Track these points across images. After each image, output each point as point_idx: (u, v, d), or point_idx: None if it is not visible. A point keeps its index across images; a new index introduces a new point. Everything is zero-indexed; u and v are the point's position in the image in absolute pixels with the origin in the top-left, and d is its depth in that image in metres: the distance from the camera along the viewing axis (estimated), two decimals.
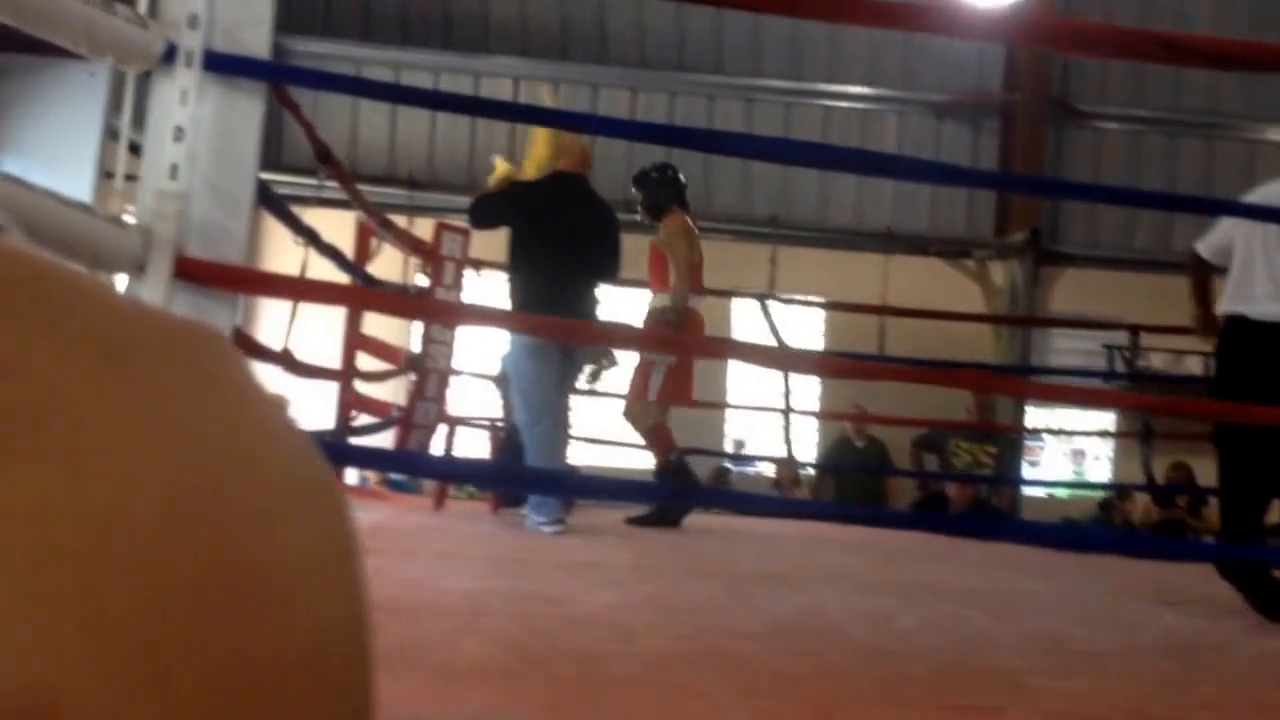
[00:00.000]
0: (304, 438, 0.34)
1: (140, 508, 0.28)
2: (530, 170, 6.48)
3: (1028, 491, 12.22)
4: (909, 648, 3.37)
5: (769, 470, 11.91)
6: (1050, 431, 12.55)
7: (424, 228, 8.22)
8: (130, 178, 2.67)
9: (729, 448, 12.22)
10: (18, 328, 0.30)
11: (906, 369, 3.34)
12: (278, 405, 0.35)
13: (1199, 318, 4.60)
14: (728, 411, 12.34)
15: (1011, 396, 11.37)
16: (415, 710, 2.21)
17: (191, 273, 2.51)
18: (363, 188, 6.94)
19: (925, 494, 10.65)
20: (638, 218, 7.40)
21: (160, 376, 0.31)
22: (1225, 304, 4.45)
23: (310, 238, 5.15)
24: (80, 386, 0.29)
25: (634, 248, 7.11)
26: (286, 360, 5.20)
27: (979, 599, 4.62)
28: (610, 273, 6.43)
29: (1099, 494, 11.92)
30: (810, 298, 11.58)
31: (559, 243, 6.06)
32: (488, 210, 6.23)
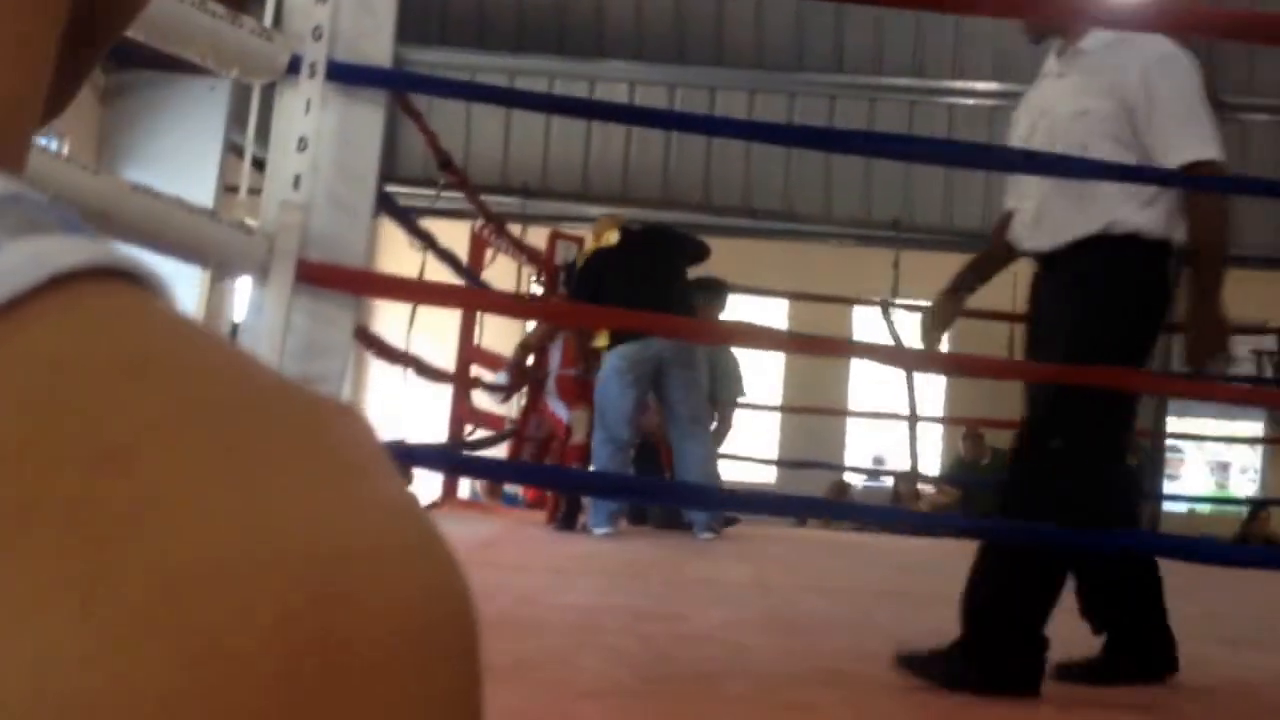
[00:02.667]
0: (433, 534, 0.32)
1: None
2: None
3: (1167, 508, 11.99)
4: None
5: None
6: (1193, 437, 12.22)
7: (538, 237, 8.34)
8: (253, 191, 2.78)
9: (854, 461, 12.16)
10: (139, 409, 0.29)
11: (1040, 367, 3.32)
12: (407, 507, 0.33)
13: None
14: (849, 425, 12.28)
15: (1151, 402, 11.16)
16: None
17: (312, 276, 2.60)
18: (478, 197, 7.06)
19: None
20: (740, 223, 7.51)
21: (272, 470, 0.30)
22: None
23: (427, 242, 5.27)
24: (186, 482, 0.29)
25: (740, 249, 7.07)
26: (411, 361, 5.31)
27: None
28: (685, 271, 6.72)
29: (1243, 510, 11.66)
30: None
31: (632, 287, 6.30)
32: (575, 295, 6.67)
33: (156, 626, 0.28)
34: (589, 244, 6.93)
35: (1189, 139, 3.04)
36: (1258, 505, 11.30)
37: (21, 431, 0.29)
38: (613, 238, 6.76)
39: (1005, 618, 3.01)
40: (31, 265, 0.31)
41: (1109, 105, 3.09)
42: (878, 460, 12.01)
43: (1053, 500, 3.07)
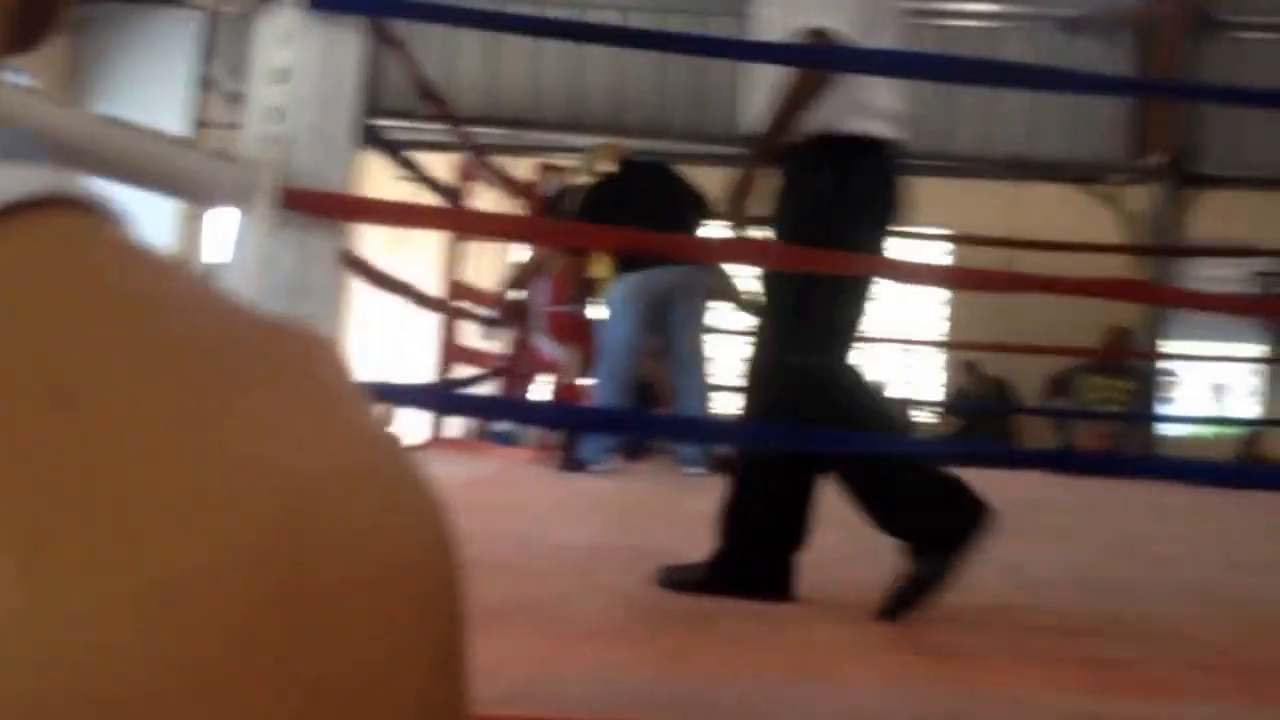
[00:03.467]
0: (406, 464, 0.32)
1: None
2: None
3: (1165, 431, 12.03)
4: (1042, 600, 3.36)
5: None
6: (1194, 358, 12.22)
7: (527, 169, 8.27)
8: (227, 126, 2.73)
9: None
10: (90, 341, 0.28)
11: (1037, 278, 3.38)
12: (383, 439, 0.32)
13: None
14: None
15: (1148, 325, 11.16)
16: (533, 670, 2.26)
17: (298, 203, 2.56)
18: (463, 127, 7.00)
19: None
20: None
21: (237, 394, 0.29)
22: None
23: (412, 170, 5.23)
24: (139, 416, 0.28)
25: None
26: (400, 286, 5.26)
27: (1117, 546, 4.58)
28: (695, 222, 6.63)
29: (1243, 432, 11.68)
30: (932, 230, 11.46)
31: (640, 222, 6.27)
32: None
33: (111, 571, 0.26)
34: (585, 173, 6.85)
35: (807, 6, 3.04)
36: (1254, 427, 11.35)
37: None
38: (612, 167, 6.69)
39: (750, 525, 3.16)
40: None
41: None
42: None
43: (790, 408, 3.16)
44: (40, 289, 0.29)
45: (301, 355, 0.32)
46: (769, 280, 3.26)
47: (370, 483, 0.30)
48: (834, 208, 3.10)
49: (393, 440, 0.32)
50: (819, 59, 3.03)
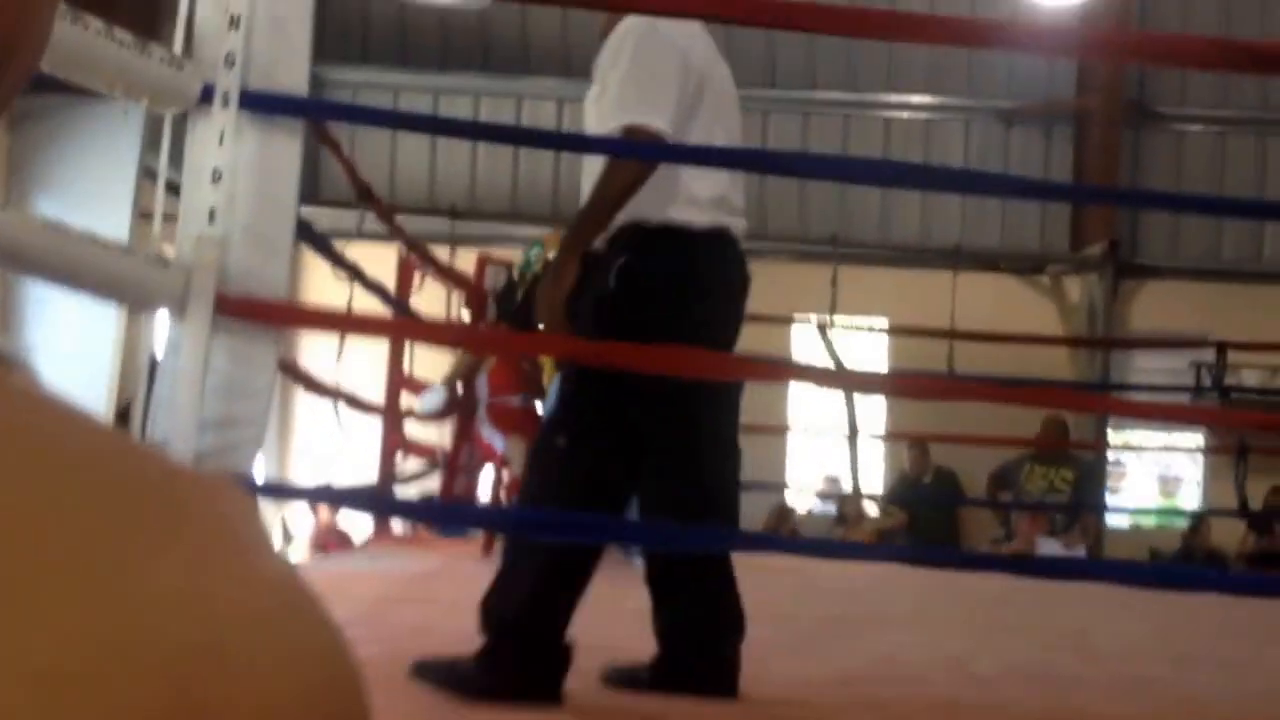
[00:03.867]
0: (312, 610, 0.31)
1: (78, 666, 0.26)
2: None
3: (1111, 521, 12.11)
4: (991, 697, 3.36)
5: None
6: (1135, 449, 12.35)
7: (466, 259, 8.29)
8: (169, 217, 2.73)
9: (798, 480, 12.17)
10: None
11: (978, 386, 3.37)
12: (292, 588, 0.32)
13: None
14: (789, 445, 12.30)
15: (1092, 421, 11.28)
16: None
17: (232, 310, 2.56)
18: (403, 218, 7.03)
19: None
20: None
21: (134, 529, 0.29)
22: None
23: (352, 273, 5.22)
24: (24, 574, 0.27)
25: None
26: (339, 394, 5.25)
27: (1065, 640, 4.59)
28: None
29: (1188, 522, 11.78)
30: (874, 320, 11.56)
31: None
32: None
33: None
34: (532, 265, 6.85)
35: (627, 104, 2.99)
36: (1197, 518, 11.44)
37: None
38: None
39: (523, 620, 3.00)
40: None
41: (596, 86, 3.13)
42: (829, 480, 12.02)
43: (554, 498, 3.08)
44: None
45: (201, 501, 0.32)
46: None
47: (266, 632, 0.30)
48: (621, 298, 3.04)
49: (296, 585, 0.32)
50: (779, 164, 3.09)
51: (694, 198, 3.05)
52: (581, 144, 2.94)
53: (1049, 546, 9.80)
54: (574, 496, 3.02)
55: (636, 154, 2.88)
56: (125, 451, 0.32)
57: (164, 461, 0.32)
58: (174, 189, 2.80)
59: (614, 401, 3.04)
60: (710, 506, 3.14)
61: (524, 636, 2.97)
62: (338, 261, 4.96)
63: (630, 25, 3.05)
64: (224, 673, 0.28)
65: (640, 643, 3.21)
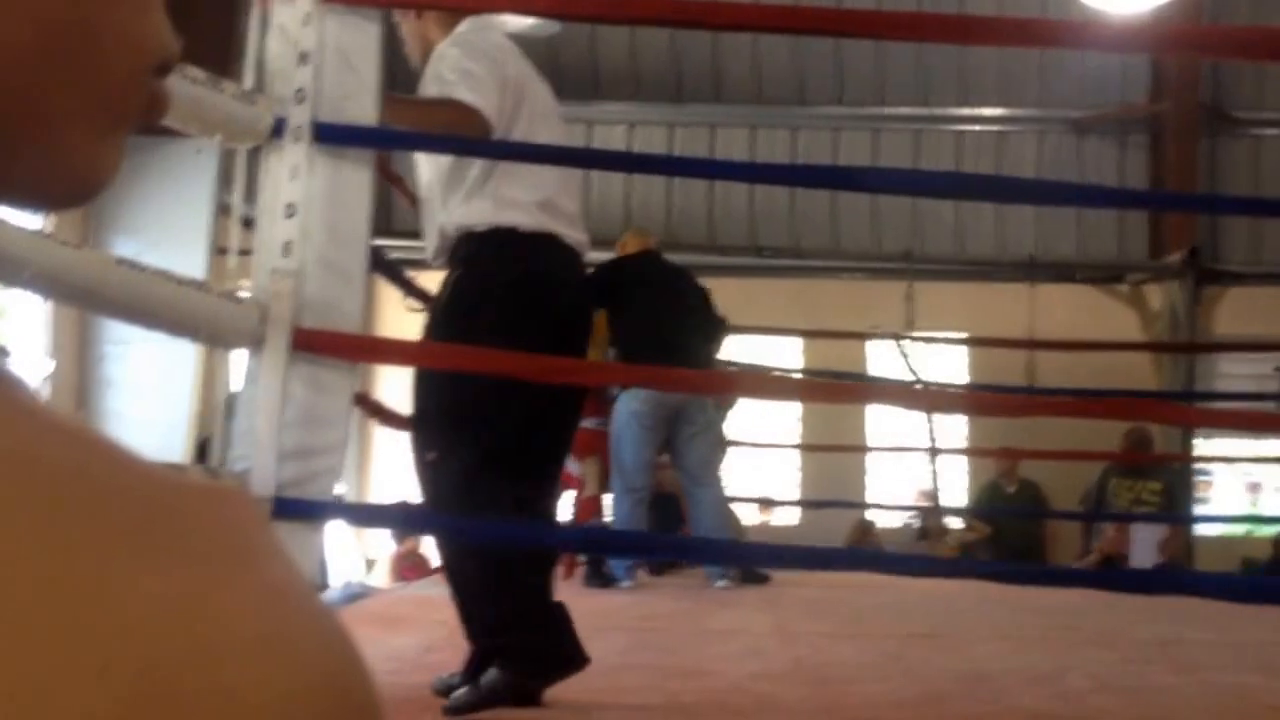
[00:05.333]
0: (317, 618, 0.31)
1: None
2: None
3: (1199, 531, 11.90)
4: (1084, 711, 3.31)
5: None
6: (1223, 460, 12.11)
7: None
8: (245, 252, 2.76)
9: (878, 496, 12.08)
10: None
11: (1060, 401, 3.30)
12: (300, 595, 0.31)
13: None
14: (868, 461, 12.23)
15: (1178, 428, 11.09)
16: None
17: (309, 344, 2.59)
18: None
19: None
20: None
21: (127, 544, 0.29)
22: None
23: (424, 299, 5.25)
24: (12, 587, 0.27)
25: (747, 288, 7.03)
26: (405, 421, 5.25)
27: (1153, 652, 4.52)
28: (712, 333, 6.71)
29: (1277, 531, 11.55)
30: (951, 334, 11.48)
31: (659, 304, 6.27)
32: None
33: None
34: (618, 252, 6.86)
35: (458, 87, 3.05)
36: None
37: None
38: (636, 248, 6.71)
39: (511, 610, 3.00)
40: None
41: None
42: (920, 496, 11.91)
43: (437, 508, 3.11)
44: None
45: (207, 512, 0.32)
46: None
47: (265, 646, 0.29)
48: (454, 304, 3.10)
49: (300, 597, 0.31)
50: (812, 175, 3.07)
51: (515, 201, 3.09)
52: (648, 165, 2.92)
53: (1143, 550, 9.57)
54: (463, 503, 3.03)
55: (671, 169, 2.88)
56: (120, 464, 0.32)
57: (167, 474, 0.32)
58: (249, 223, 2.83)
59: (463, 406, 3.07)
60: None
61: (521, 622, 3.00)
62: (409, 289, 4.99)
63: (465, 29, 3.21)
64: (212, 684, 0.27)
65: (723, 661, 3.19)
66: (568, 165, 3.13)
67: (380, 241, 4.89)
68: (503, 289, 3.08)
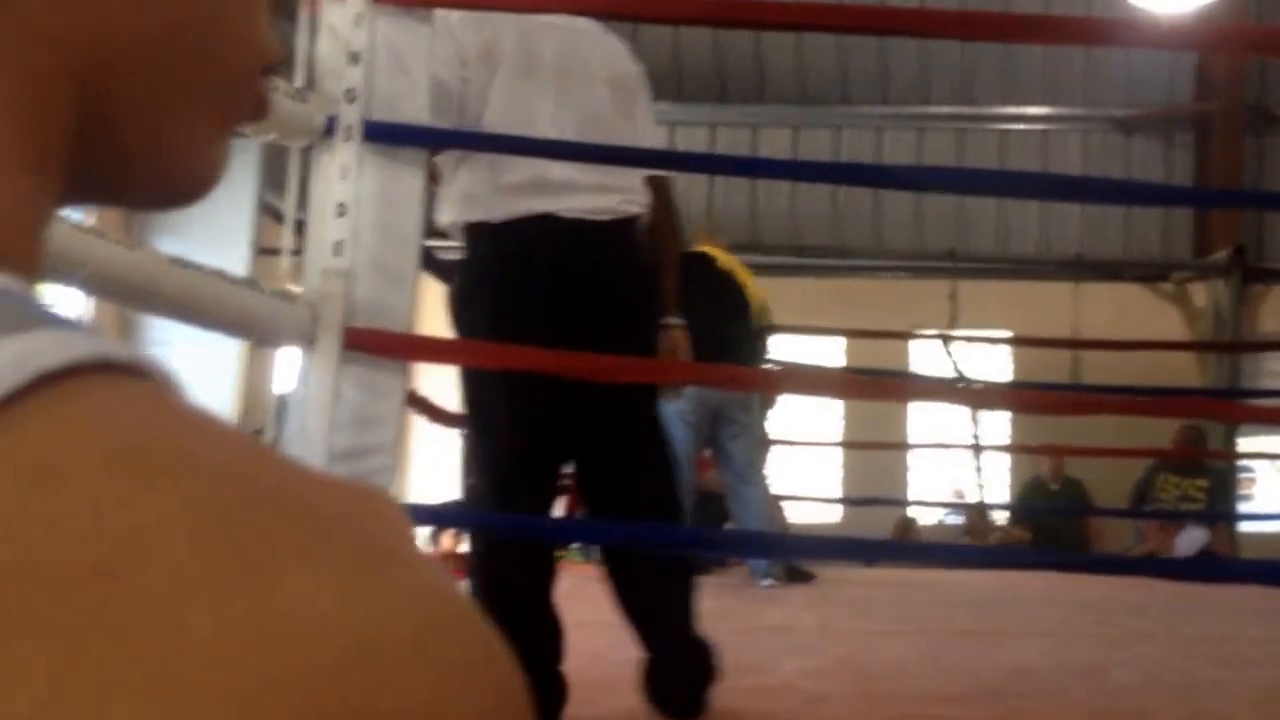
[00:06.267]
0: (466, 617, 0.30)
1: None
2: None
3: (1244, 528, 11.77)
4: (1133, 706, 3.28)
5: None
6: (1268, 457, 11.99)
7: None
8: (295, 253, 2.76)
9: (921, 494, 12.02)
10: (132, 513, 0.28)
11: (1106, 399, 3.26)
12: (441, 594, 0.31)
13: None
14: (911, 460, 12.17)
15: (1224, 424, 10.97)
16: None
17: (360, 344, 2.58)
18: None
19: None
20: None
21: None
22: None
23: None
24: (185, 591, 0.27)
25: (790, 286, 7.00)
26: (456, 419, 5.25)
27: (1201, 647, 4.47)
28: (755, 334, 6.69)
29: None
30: (995, 333, 11.40)
31: (711, 304, 6.28)
32: None
33: None
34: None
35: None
36: None
37: (7, 548, 0.27)
38: (700, 248, 6.71)
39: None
40: (15, 365, 0.30)
41: None
42: (958, 494, 11.85)
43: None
44: (83, 460, 0.29)
45: (356, 513, 0.32)
46: None
47: (424, 645, 0.29)
48: (451, 299, 3.02)
49: (452, 595, 0.31)
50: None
51: (500, 186, 2.89)
52: (688, 164, 2.87)
53: (1189, 539, 9.47)
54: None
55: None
56: (270, 464, 0.32)
57: (312, 474, 0.32)
58: (294, 223, 2.83)
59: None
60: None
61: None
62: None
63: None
64: (383, 689, 0.28)
65: (771, 659, 3.17)
66: (610, 164, 2.98)
67: (430, 242, 4.89)
68: (475, 283, 2.94)
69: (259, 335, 2.64)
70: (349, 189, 2.61)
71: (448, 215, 3.00)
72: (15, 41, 0.40)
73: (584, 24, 3.04)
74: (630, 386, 2.94)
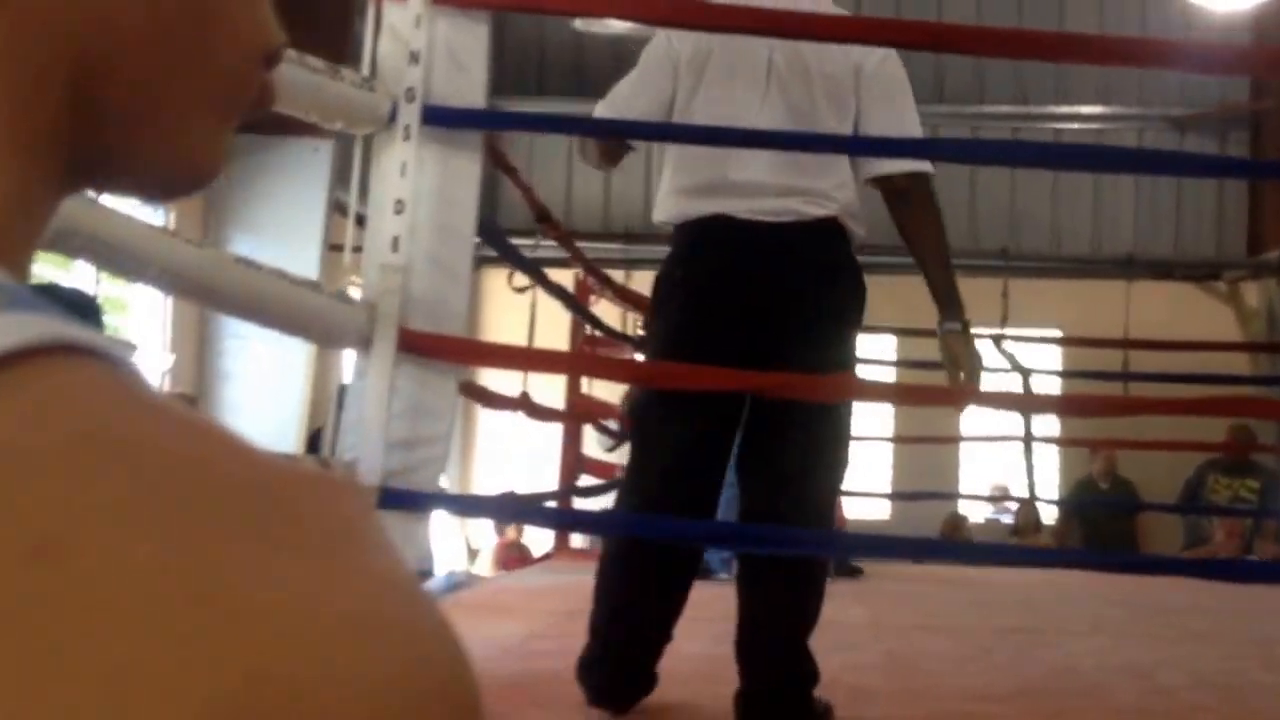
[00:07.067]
0: (417, 606, 0.30)
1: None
2: None
3: None
4: (1176, 706, 3.25)
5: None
6: None
7: (642, 281, 8.33)
8: (357, 249, 2.79)
9: (971, 490, 11.95)
10: (78, 495, 0.28)
11: (1155, 401, 3.23)
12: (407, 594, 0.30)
13: None
14: (965, 452, 12.10)
15: (1274, 428, 10.85)
16: None
17: (415, 346, 2.61)
18: (579, 244, 7.10)
19: None
20: None
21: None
22: None
23: (538, 278, 5.30)
24: (124, 573, 0.27)
25: None
26: (521, 404, 5.30)
27: (1251, 649, 4.42)
28: None
29: None
30: (1046, 331, 11.31)
31: None
32: None
33: None
34: None
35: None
36: None
37: None
38: None
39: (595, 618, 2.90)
40: None
41: None
42: (1000, 489, 11.76)
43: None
44: (31, 443, 0.29)
45: (309, 499, 0.32)
46: None
47: (366, 630, 0.29)
48: (653, 297, 2.99)
49: (403, 581, 0.31)
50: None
51: (681, 188, 2.88)
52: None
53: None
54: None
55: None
56: (232, 451, 0.31)
57: (277, 462, 0.32)
58: (361, 220, 2.86)
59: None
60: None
61: (594, 629, 2.88)
62: (522, 266, 4.99)
63: None
64: (321, 673, 0.27)
65: (819, 655, 3.16)
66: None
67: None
68: (658, 289, 2.95)
69: (316, 335, 2.67)
70: (407, 186, 2.64)
71: (654, 215, 3.01)
72: (11, 29, 0.40)
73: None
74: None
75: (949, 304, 2.96)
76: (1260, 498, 10.19)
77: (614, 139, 3.01)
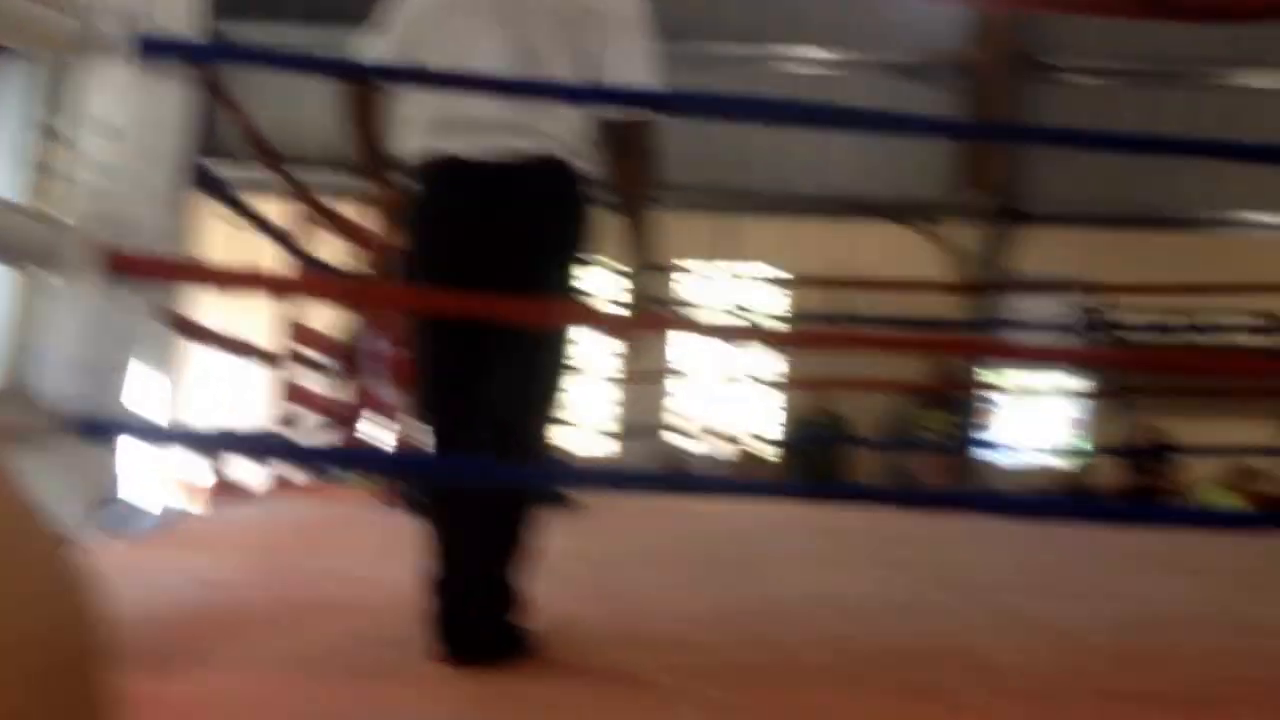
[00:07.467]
0: (24, 550, 0.30)
1: None
2: None
3: (992, 460, 12.35)
4: (869, 630, 3.45)
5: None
6: (1019, 392, 12.53)
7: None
8: (55, 171, 2.72)
9: (679, 426, 12.24)
10: None
11: (865, 334, 3.38)
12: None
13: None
14: (671, 389, 12.38)
15: (975, 360, 11.46)
16: (328, 709, 2.29)
17: (124, 268, 2.55)
18: (311, 171, 6.96)
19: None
20: None
21: None
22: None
23: (251, 218, 5.18)
24: None
25: None
26: (228, 343, 5.22)
27: (940, 575, 4.71)
28: None
29: (1068, 462, 12.04)
30: (768, 269, 11.65)
31: None
32: None
33: None
34: None
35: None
36: (1077, 457, 11.73)
37: None
38: None
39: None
40: None
41: None
42: (710, 427, 12.10)
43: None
44: None
45: None
46: None
47: None
48: (410, 236, 2.96)
49: (22, 526, 0.31)
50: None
51: (415, 120, 2.91)
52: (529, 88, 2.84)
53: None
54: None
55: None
56: None
57: None
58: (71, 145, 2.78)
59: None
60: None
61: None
62: (235, 205, 4.90)
63: None
64: None
65: (529, 582, 3.24)
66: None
67: (206, 161, 4.79)
68: (419, 221, 2.92)
69: (22, 258, 2.59)
70: (115, 107, 2.57)
71: (393, 145, 2.95)
72: None
73: None
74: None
75: (643, 248, 3.04)
76: (955, 430, 10.78)
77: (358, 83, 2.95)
